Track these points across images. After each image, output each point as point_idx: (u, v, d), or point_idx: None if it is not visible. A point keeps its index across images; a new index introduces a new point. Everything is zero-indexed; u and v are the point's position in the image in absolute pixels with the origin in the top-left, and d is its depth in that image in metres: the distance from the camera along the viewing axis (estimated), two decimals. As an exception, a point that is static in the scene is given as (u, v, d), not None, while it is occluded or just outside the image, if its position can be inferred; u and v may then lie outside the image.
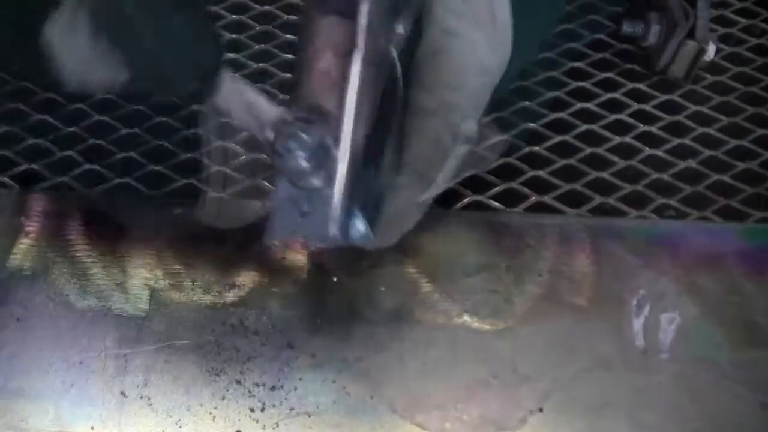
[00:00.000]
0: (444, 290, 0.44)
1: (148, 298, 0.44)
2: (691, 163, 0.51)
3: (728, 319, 0.43)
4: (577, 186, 0.49)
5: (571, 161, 0.51)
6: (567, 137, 0.52)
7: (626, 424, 0.40)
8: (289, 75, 0.55)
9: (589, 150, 0.51)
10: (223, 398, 0.41)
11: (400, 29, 0.42)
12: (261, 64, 0.57)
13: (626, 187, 0.49)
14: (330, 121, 0.35)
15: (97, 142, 0.52)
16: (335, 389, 0.41)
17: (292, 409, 0.40)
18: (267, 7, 0.60)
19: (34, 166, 0.50)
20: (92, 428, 0.40)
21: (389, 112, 0.41)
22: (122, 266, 0.45)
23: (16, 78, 0.53)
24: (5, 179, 0.50)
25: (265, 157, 0.43)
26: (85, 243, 0.46)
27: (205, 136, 0.45)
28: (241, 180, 0.49)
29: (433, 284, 0.44)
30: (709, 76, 0.56)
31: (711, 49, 0.53)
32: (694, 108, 0.54)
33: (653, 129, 0.53)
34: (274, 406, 0.40)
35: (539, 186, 0.49)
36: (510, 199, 0.49)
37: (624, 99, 0.54)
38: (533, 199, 0.49)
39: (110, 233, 0.46)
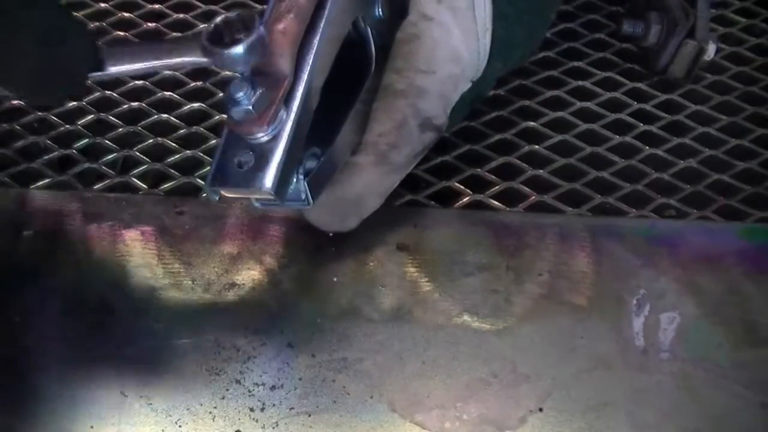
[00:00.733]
0: (444, 290, 0.44)
1: (148, 297, 0.44)
2: (691, 163, 0.51)
3: (728, 319, 0.43)
4: (577, 185, 0.49)
5: (571, 161, 0.51)
6: (567, 136, 0.52)
7: (626, 423, 0.40)
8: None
9: (589, 149, 0.51)
10: (223, 398, 0.41)
11: (378, 12, 0.42)
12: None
13: (626, 187, 0.49)
14: (281, 78, 0.35)
15: (97, 140, 0.52)
16: (335, 389, 0.41)
17: (291, 408, 0.40)
18: None
19: (33, 165, 0.50)
20: (92, 428, 0.40)
21: (356, 90, 0.42)
22: (122, 265, 0.45)
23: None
24: (5, 179, 0.50)
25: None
26: (85, 242, 0.46)
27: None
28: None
29: (432, 284, 0.44)
30: (709, 75, 0.56)
31: (711, 49, 0.53)
32: (694, 107, 0.54)
33: (653, 128, 0.53)
34: (273, 405, 0.40)
35: (539, 185, 0.49)
36: (510, 198, 0.49)
37: (624, 98, 0.54)
38: (533, 198, 0.49)
39: (110, 232, 0.46)
